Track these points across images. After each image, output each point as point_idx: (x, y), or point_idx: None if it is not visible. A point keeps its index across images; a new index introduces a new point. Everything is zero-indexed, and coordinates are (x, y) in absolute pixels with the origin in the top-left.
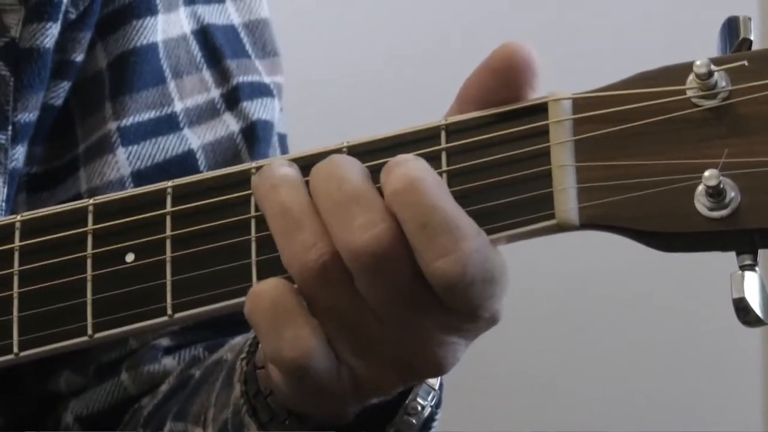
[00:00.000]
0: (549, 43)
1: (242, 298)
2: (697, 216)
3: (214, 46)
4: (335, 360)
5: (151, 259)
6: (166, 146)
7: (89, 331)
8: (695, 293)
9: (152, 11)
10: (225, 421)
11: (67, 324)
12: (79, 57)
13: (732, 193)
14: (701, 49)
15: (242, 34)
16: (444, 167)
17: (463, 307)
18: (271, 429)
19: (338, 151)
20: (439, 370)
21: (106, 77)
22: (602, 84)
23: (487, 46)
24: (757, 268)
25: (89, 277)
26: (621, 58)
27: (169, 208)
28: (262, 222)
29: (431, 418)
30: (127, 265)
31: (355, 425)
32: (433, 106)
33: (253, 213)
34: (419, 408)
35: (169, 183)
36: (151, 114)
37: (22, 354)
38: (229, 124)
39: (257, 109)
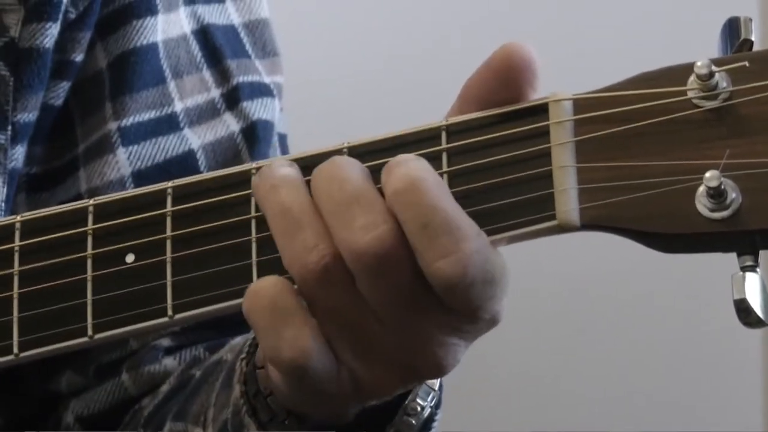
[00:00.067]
0: (549, 43)
1: (243, 299)
2: (698, 217)
3: (214, 46)
4: (334, 361)
5: (151, 260)
6: (167, 146)
7: (89, 332)
8: (695, 293)
9: (152, 11)
10: (225, 421)
11: (67, 324)
12: (79, 57)
13: (733, 194)
14: (701, 49)
15: (242, 34)
16: (445, 168)
17: (463, 308)
18: (270, 429)
19: (339, 151)
20: (439, 371)
21: (106, 77)
22: (602, 84)
23: (487, 46)
24: (758, 269)
25: (89, 278)
26: (621, 58)
27: (169, 208)
28: (262, 222)
29: (431, 418)
30: (128, 266)
31: (355, 425)
32: (433, 106)
33: (253, 213)
34: (419, 408)
35: (170, 183)
36: (152, 114)
37: (22, 355)
38: (229, 124)
39: (257, 109)
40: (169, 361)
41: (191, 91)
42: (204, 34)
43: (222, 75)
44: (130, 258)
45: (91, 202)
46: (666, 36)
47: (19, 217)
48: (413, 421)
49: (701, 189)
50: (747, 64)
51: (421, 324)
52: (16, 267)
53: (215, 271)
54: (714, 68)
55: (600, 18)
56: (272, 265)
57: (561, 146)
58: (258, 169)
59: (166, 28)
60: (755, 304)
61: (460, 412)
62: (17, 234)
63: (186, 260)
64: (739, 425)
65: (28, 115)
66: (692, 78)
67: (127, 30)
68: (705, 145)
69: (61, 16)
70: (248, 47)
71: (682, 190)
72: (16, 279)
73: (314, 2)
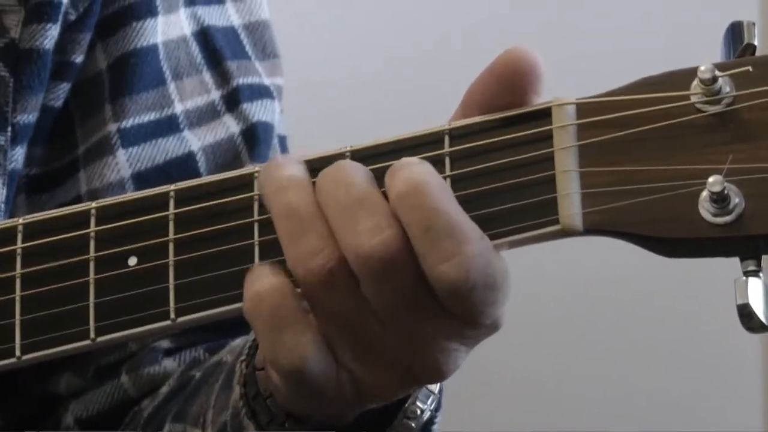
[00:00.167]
0: (549, 45)
1: (245, 300)
2: (701, 222)
3: (214, 48)
4: (334, 365)
5: (153, 263)
6: (166, 148)
7: (92, 335)
8: (695, 294)
9: (152, 13)
10: (224, 423)
11: (69, 327)
12: (79, 58)
13: (736, 199)
14: (702, 50)
15: (242, 36)
16: (447, 172)
17: (464, 313)
18: (269, 430)
19: (341, 155)
20: (439, 376)
21: (105, 79)
22: (602, 85)
23: (488, 48)
24: (761, 274)
25: (92, 281)
26: (621, 59)
27: (171, 211)
28: (265, 226)
29: (430, 421)
30: (130, 269)
31: (354, 428)
32: (434, 108)
33: (256, 217)
34: (418, 412)
35: (172, 186)
36: (151, 116)
37: (25, 358)
38: (229, 126)
39: (257, 110)
40: (168, 363)
41: (191, 92)
42: (204, 35)
43: (222, 77)
44: (132, 261)
45: (94, 204)
46: (666, 37)
47: (21, 220)
48: (413, 424)
49: (704, 194)
50: (750, 68)
51: (423, 328)
52: (19, 270)
53: (218, 275)
54: (717, 73)
55: (600, 19)
56: None
57: (564, 150)
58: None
59: (166, 29)
60: (758, 308)
61: (460, 412)
62: (19, 236)
63: (188, 263)
64: (739, 425)
65: (28, 117)
66: (695, 83)
67: (127, 31)
68: (708, 149)
69: (61, 17)
70: (248, 49)
71: (685, 194)
72: (18, 282)
73: (314, 4)
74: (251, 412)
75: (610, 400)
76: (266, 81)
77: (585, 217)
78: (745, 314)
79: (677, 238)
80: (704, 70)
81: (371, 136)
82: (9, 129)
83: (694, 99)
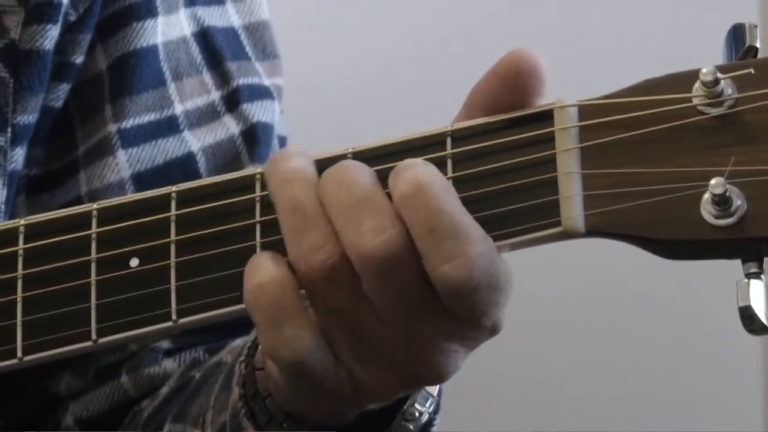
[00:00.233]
0: (549, 45)
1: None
2: (704, 224)
3: (214, 48)
4: (333, 360)
5: (155, 264)
6: (166, 149)
7: (93, 336)
8: (695, 294)
9: (152, 13)
10: (223, 423)
11: (71, 329)
12: (79, 59)
13: (738, 201)
14: (702, 50)
15: (242, 36)
16: (449, 173)
17: (466, 314)
18: (268, 430)
19: (343, 156)
20: (439, 377)
21: (105, 79)
22: (602, 85)
23: (488, 48)
24: (762, 276)
25: (93, 282)
26: (621, 59)
27: (173, 212)
28: (267, 227)
29: (429, 423)
30: (132, 270)
31: (353, 429)
32: (434, 109)
33: (258, 218)
34: (417, 414)
35: (174, 188)
36: (151, 116)
37: (26, 358)
38: (229, 127)
39: (257, 111)
40: (168, 363)
41: (191, 93)
42: (204, 36)
43: (222, 77)
44: (134, 262)
45: (95, 206)
46: (666, 37)
47: (23, 221)
48: (411, 427)
49: (706, 196)
50: (752, 71)
51: (424, 328)
52: (20, 270)
53: (219, 276)
54: (719, 75)
55: (600, 19)
56: None
57: (566, 152)
58: (262, 174)
59: (166, 30)
60: (760, 311)
61: (460, 412)
62: (21, 237)
63: (190, 265)
64: (739, 425)
65: (28, 117)
66: (697, 85)
67: (127, 32)
68: (710, 152)
69: (61, 18)
70: (248, 49)
71: (687, 196)
72: (20, 282)
73: (315, 4)
74: (250, 413)
75: (610, 400)
76: (266, 81)
77: (587, 219)
78: (747, 316)
79: (679, 240)
80: (706, 72)
81: (372, 137)
82: (9, 130)
83: (696, 101)
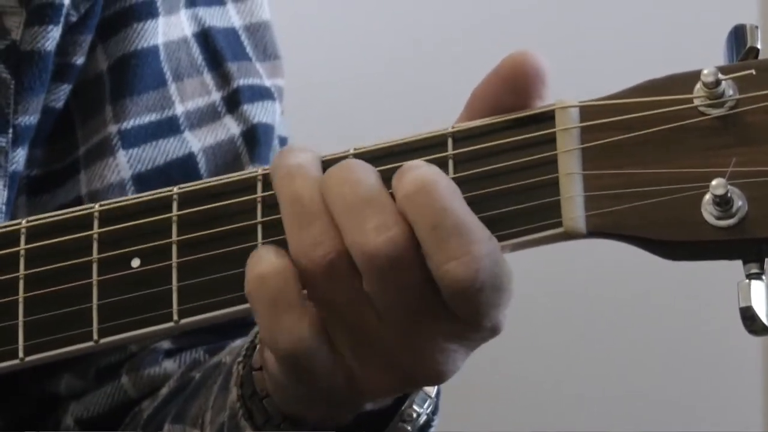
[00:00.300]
0: (549, 46)
1: (248, 305)
2: (705, 225)
3: (215, 49)
4: (331, 353)
5: (157, 265)
6: (167, 149)
7: (95, 337)
8: (695, 293)
9: (153, 14)
10: (221, 424)
11: (72, 329)
12: (80, 60)
13: (739, 202)
14: (702, 50)
15: (243, 37)
16: (451, 174)
17: (468, 314)
18: (266, 431)
19: (344, 157)
20: (438, 378)
21: (106, 80)
22: (603, 85)
23: (489, 49)
24: (763, 277)
25: (95, 282)
26: (621, 59)
27: (175, 213)
28: (268, 228)
29: (427, 425)
30: (133, 271)
31: (351, 429)
32: (435, 109)
33: (259, 219)
34: (414, 415)
35: (175, 188)
36: (152, 117)
37: (28, 359)
38: (229, 127)
39: (258, 112)
40: (168, 364)
41: (192, 94)
42: (205, 36)
43: (223, 78)
44: (135, 263)
45: (97, 206)
46: (666, 37)
47: (24, 222)
48: (408, 428)
49: (707, 197)
50: (753, 72)
51: (425, 328)
52: (22, 271)
53: (221, 277)
54: (720, 76)
55: (600, 19)
56: None
57: (567, 153)
58: (264, 175)
59: (167, 30)
60: (761, 311)
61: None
62: (23, 238)
63: (192, 265)
64: (739, 425)
65: (29, 118)
66: (698, 86)
67: (128, 33)
68: (711, 152)
69: (62, 19)
70: (249, 50)
71: (688, 197)
72: (21, 283)
73: (315, 4)
74: (248, 413)
75: (610, 400)
76: (267, 82)
77: (588, 219)
78: (748, 317)
79: (680, 241)
80: (707, 73)
81: (372, 137)
82: (10, 131)
83: (697, 102)
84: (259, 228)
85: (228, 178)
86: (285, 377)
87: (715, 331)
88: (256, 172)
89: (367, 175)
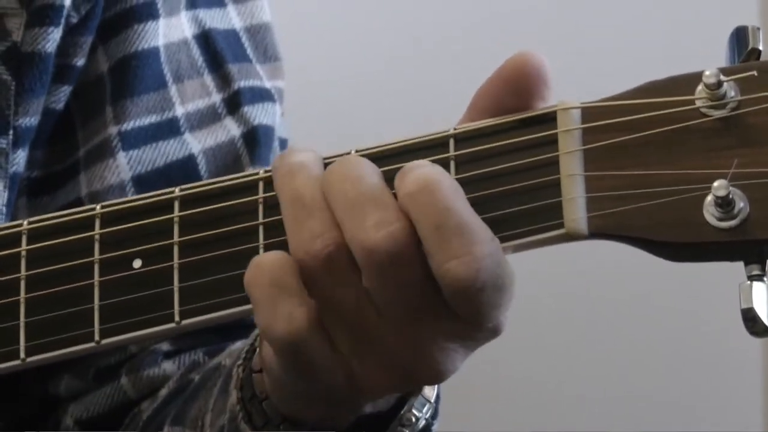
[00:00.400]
0: (550, 45)
1: (250, 306)
2: (706, 226)
3: (215, 51)
4: (329, 346)
5: (158, 265)
6: (167, 151)
7: (96, 337)
8: (695, 294)
9: (153, 15)
10: (221, 426)
11: (74, 330)
12: (81, 61)
13: (741, 204)
14: (702, 49)
15: (243, 39)
16: (453, 175)
17: (469, 314)
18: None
19: None
20: (437, 377)
21: (107, 81)
22: (603, 85)
23: (489, 48)
24: (765, 278)
25: (96, 283)
26: (621, 58)
27: (176, 213)
28: (270, 229)
29: (427, 429)
30: (135, 271)
31: (350, 431)
32: (435, 108)
33: (261, 220)
34: (414, 420)
35: (177, 189)
36: (152, 118)
37: (29, 360)
38: (230, 129)
39: (258, 113)
40: (168, 365)
41: (192, 95)
42: (205, 38)
43: (223, 80)
44: (137, 263)
45: (99, 207)
46: (666, 37)
47: (26, 223)
48: None
49: (709, 198)
50: (755, 73)
51: (425, 326)
52: (23, 272)
53: (223, 277)
54: (722, 77)
55: (601, 19)
56: None
57: (569, 155)
58: (266, 176)
59: (168, 32)
60: (762, 313)
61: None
62: (24, 239)
63: (193, 266)
64: (739, 425)
65: (29, 120)
66: (700, 87)
67: (129, 34)
68: (713, 154)
69: (63, 20)
70: (249, 52)
71: (690, 199)
72: (23, 284)
73: (315, 4)
74: (247, 416)
75: (610, 400)
76: (267, 84)
77: (590, 221)
78: (750, 318)
79: (682, 243)
80: (709, 74)
81: (373, 137)
82: (11, 132)
83: (699, 103)
84: (261, 229)
85: (230, 179)
86: (284, 371)
87: (716, 331)
88: (258, 173)
89: (369, 171)
